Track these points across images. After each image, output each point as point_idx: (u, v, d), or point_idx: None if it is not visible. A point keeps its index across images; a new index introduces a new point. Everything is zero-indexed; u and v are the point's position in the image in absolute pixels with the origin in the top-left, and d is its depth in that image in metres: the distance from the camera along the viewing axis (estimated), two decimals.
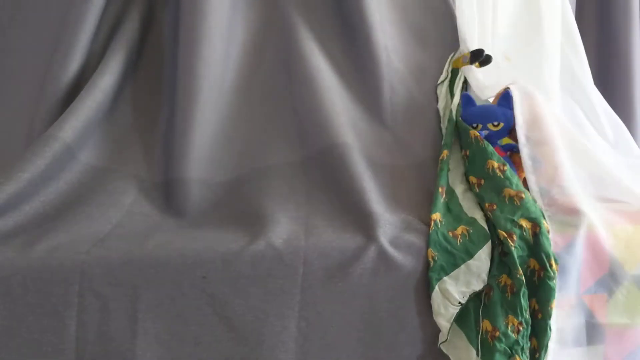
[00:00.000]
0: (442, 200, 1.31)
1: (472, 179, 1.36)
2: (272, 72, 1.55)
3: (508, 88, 1.41)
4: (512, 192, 1.26)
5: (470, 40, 1.47)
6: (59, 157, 1.33)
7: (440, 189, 1.34)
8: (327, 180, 1.38)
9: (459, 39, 1.50)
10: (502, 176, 1.29)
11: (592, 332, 1.23)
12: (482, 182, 1.32)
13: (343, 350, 1.21)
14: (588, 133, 1.44)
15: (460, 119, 1.46)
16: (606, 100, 1.66)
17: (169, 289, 1.16)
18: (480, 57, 1.45)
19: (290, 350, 1.19)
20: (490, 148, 1.36)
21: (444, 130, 1.50)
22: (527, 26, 1.52)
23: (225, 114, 1.49)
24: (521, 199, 1.25)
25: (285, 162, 1.43)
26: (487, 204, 1.27)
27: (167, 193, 1.39)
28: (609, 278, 1.23)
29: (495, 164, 1.32)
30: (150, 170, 1.43)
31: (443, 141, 1.47)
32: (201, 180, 1.40)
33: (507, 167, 1.32)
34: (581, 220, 1.25)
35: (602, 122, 1.47)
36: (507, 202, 1.25)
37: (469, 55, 1.47)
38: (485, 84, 1.48)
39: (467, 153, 1.41)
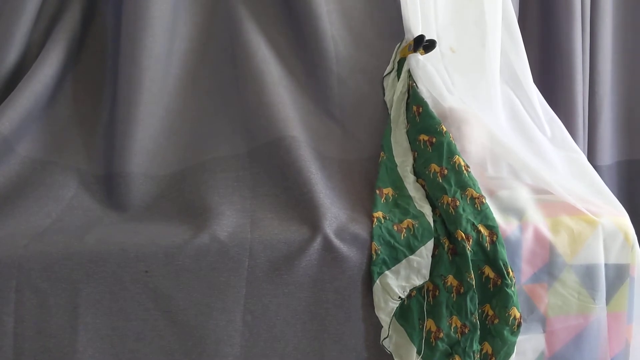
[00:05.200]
0: (381, 201, 1.32)
1: (435, 167, 1.34)
2: (219, 65, 1.53)
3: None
4: (475, 194, 1.27)
5: (415, 30, 1.48)
6: None
7: (377, 191, 1.34)
8: (273, 173, 1.37)
9: (404, 29, 1.50)
10: (467, 175, 1.30)
11: (533, 321, 1.25)
12: (446, 172, 1.32)
13: (289, 342, 1.21)
14: (527, 126, 1.47)
15: (427, 105, 1.43)
16: (549, 96, 1.69)
17: (110, 284, 1.15)
18: (422, 44, 1.46)
19: (235, 344, 1.18)
20: (455, 146, 1.36)
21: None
22: (470, 19, 1.54)
23: (170, 107, 1.47)
24: (482, 203, 1.26)
25: (232, 155, 1.42)
26: (449, 198, 1.27)
27: (109, 187, 1.37)
28: (549, 268, 1.26)
29: (462, 162, 1.32)
30: (91, 164, 1.41)
31: (382, 141, 1.47)
32: (144, 174, 1.38)
33: (470, 169, 1.32)
34: (522, 210, 1.28)
35: (540, 117, 1.51)
36: (469, 203, 1.26)
37: (412, 43, 1.48)
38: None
39: (433, 140, 1.38)
